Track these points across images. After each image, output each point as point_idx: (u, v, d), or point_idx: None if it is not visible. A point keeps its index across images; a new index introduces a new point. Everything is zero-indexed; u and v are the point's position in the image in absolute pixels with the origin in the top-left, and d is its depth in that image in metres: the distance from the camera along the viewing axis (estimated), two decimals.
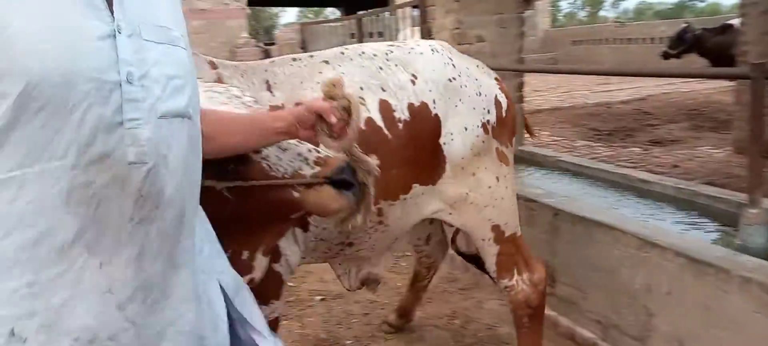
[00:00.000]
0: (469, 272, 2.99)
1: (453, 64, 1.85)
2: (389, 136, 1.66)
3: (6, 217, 0.74)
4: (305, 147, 1.26)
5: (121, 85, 0.77)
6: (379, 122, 1.65)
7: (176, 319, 0.88)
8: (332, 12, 28.80)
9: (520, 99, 4.12)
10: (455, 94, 1.80)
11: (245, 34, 12.21)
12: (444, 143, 1.78)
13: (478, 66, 1.98)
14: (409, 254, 3.13)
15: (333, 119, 1.09)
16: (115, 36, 0.77)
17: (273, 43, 12.60)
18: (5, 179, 0.73)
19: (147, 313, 0.84)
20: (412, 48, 1.85)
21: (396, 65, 1.76)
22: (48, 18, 0.73)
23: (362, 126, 1.40)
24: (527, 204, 2.61)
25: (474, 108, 1.83)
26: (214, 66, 1.53)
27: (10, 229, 0.74)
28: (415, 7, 4.89)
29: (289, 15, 36.03)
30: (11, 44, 0.70)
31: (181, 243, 0.89)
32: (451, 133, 1.78)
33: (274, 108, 1.53)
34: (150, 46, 0.82)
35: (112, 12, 0.78)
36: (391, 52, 1.80)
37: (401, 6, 5.47)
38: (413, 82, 1.74)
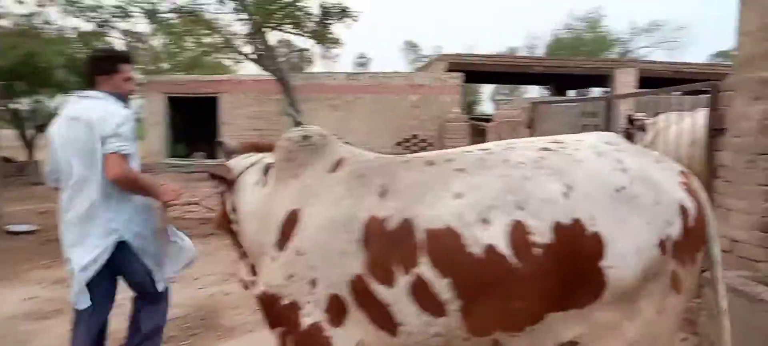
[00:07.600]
0: None
1: (623, 169, 1.56)
2: (517, 265, 1.49)
3: None
4: None
5: None
6: (504, 250, 1.51)
7: None
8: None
9: None
10: (624, 207, 1.51)
11: (457, 109, 12.57)
12: (608, 267, 1.50)
13: (657, 162, 1.64)
14: None
15: None
16: None
17: (489, 120, 11.93)
18: None
19: None
20: (572, 150, 1.61)
21: (547, 175, 1.55)
22: None
23: (480, 254, 1.46)
24: None
25: (649, 222, 1.51)
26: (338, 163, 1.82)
27: None
28: (700, 92, 4.19)
29: (486, 91, 36.51)
30: None
31: None
32: (620, 255, 1.49)
33: (375, 220, 1.61)
34: None
35: None
36: (544, 158, 1.59)
37: (688, 89, 4.42)
38: (566, 195, 1.52)
